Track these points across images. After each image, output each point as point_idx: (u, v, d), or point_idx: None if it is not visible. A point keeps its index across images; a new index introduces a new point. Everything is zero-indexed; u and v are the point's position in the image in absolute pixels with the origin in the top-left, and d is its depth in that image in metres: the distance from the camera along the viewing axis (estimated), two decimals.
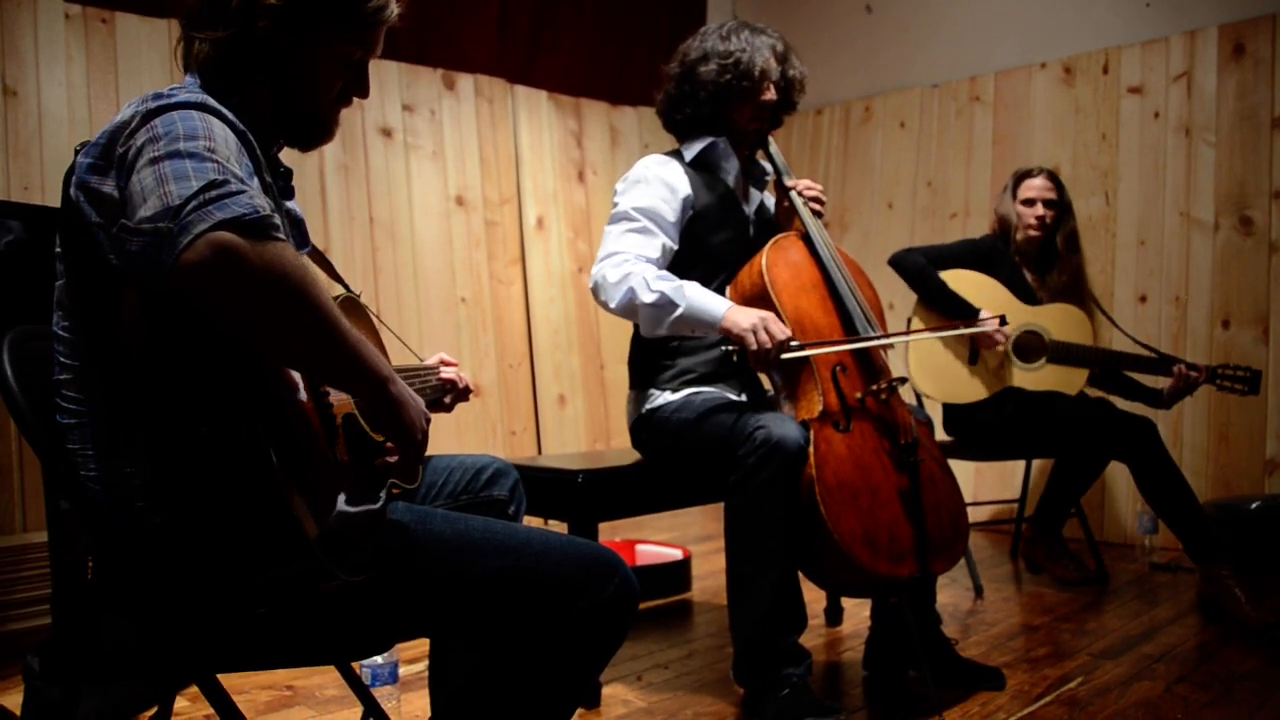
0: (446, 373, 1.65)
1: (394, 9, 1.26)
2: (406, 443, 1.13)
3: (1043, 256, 3.12)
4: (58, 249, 1.12)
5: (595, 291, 2.08)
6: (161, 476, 1.05)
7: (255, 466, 1.02)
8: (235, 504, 1.03)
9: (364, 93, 1.29)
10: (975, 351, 2.98)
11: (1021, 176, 3.13)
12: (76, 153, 1.08)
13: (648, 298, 1.98)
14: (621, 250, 2.08)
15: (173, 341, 1.06)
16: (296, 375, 1.11)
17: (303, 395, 1.11)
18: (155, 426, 1.06)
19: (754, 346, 1.88)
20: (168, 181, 0.95)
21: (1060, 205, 3.09)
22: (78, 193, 1.06)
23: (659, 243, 2.11)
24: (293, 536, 1.01)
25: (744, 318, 1.90)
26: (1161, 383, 2.99)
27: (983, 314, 2.87)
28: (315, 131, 1.29)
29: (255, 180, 1.05)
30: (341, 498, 1.09)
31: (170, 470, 1.05)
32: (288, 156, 1.35)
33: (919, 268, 2.99)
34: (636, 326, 2.12)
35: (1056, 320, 3.01)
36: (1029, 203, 3.08)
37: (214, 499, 1.04)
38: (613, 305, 2.04)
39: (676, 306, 1.96)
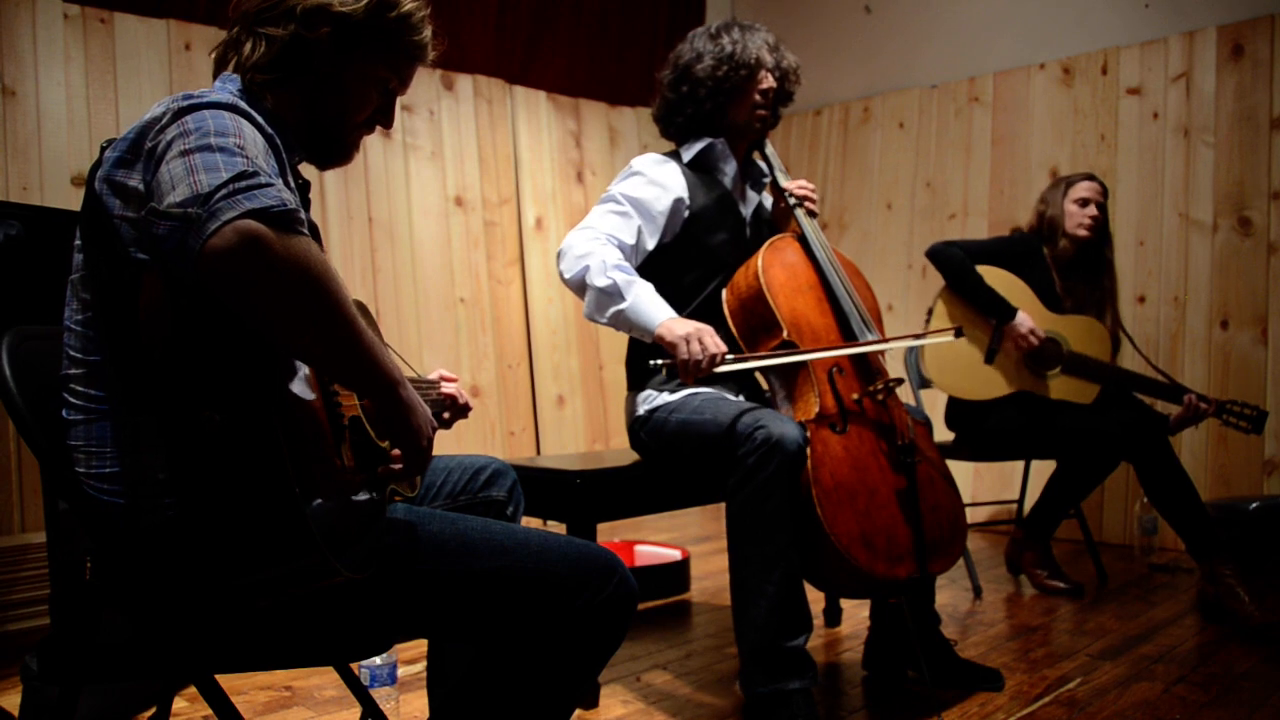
0: (447, 388, 1.64)
1: (430, 54, 1.33)
2: (412, 448, 1.13)
3: (1078, 263, 3.09)
4: (77, 242, 1.13)
5: (558, 256, 2.08)
6: (179, 469, 1.06)
7: (267, 460, 1.02)
8: (244, 497, 1.03)
9: (388, 123, 1.35)
10: (993, 350, 2.97)
11: (1073, 180, 3.10)
12: (103, 149, 1.10)
13: (599, 281, 1.97)
14: (595, 227, 2.08)
15: (195, 334, 1.06)
16: (309, 373, 1.12)
17: (313, 395, 1.11)
18: (175, 419, 1.06)
19: (684, 356, 1.84)
20: (198, 171, 0.97)
21: (1105, 211, 3.07)
22: (102, 185, 1.08)
23: (635, 226, 2.11)
24: (297, 532, 1.01)
25: (680, 327, 1.87)
26: (1167, 407, 3.00)
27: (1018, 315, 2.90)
28: (337, 149, 1.32)
29: (280, 181, 1.06)
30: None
31: (186, 462, 1.05)
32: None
33: (958, 260, 2.97)
34: None
35: (1077, 332, 3.00)
36: (1083, 202, 3.04)
37: (224, 491, 1.04)
38: (566, 275, 2.04)
39: (622, 300, 1.95)
